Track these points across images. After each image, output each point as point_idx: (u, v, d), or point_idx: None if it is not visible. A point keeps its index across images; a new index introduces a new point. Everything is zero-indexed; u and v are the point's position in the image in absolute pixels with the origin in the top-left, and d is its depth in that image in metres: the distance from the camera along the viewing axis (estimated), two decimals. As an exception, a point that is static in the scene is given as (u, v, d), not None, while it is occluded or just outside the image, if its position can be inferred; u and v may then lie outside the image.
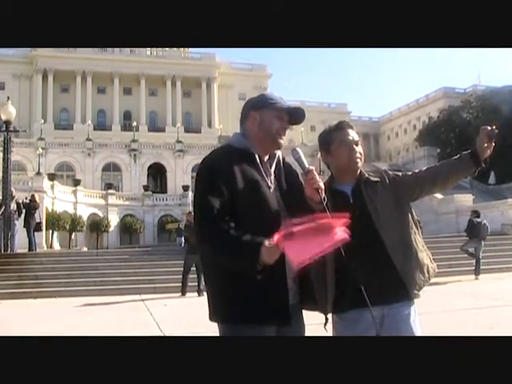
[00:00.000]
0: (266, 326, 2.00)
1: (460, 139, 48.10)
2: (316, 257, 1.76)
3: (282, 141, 2.16)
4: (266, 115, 2.13)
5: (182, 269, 11.62)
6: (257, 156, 2.12)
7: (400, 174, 2.38)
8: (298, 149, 2.10)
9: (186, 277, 11.48)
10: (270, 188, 2.10)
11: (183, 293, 11.27)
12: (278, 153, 2.22)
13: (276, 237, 1.77)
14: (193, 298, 10.81)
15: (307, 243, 1.74)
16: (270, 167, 2.17)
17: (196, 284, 11.31)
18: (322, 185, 2.00)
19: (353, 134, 2.32)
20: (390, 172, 2.37)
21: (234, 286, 1.98)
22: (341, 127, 2.33)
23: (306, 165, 2.07)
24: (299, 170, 2.15)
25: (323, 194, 1.99)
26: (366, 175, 2.30)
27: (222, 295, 2.04)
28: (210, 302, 2.12)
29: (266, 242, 1.81)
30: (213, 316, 2.10)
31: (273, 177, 2.16)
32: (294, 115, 2.16)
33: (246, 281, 1.93)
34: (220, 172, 2.02)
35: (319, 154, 2.47)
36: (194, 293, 11.16)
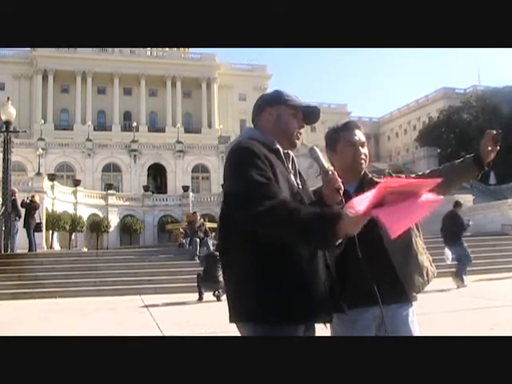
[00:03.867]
0: (305, 324, 1.90)
1: (460, 139, 48.12)
2: (413, 223, 1.75)
3: (298, 141, 2.06)
4: (283, 112, 2.03)
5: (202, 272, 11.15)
6: (282, 152, 2.01)
7: (403, 176, 2.38)
8: (315, 148, 2.01)
9: (202, 283, 10.95)
10: (298, 184, 2.01)
11: (200, 298, 10.78)
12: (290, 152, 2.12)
13: (361, 204, 1.61)
14: (193, 300, 10.80)
15: (400, 209, 1.63)
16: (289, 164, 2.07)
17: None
18: (342, 185, 1.92)
19: (359, 135, 2.31)
20: (394, 174, 2.37)
21: (272, 284, 1.83)
22: (348, 127, 2.32)
23: (325, 164, 1.99)
24: (304, 170, 2.10)
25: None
26: (370, 176, 2.30)
27: (258, 294, 1.85)
28: (237, 302, 1.94)
29: (348, 211, 1.62)
30: (241, 316, 1.93)
31: (292, 174, 2.05)
32: (310, 114, 2.08)
33: (285, 279, 1.82)
34: (260, 156, 1.87)
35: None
36: (191, 293, 11.08)
